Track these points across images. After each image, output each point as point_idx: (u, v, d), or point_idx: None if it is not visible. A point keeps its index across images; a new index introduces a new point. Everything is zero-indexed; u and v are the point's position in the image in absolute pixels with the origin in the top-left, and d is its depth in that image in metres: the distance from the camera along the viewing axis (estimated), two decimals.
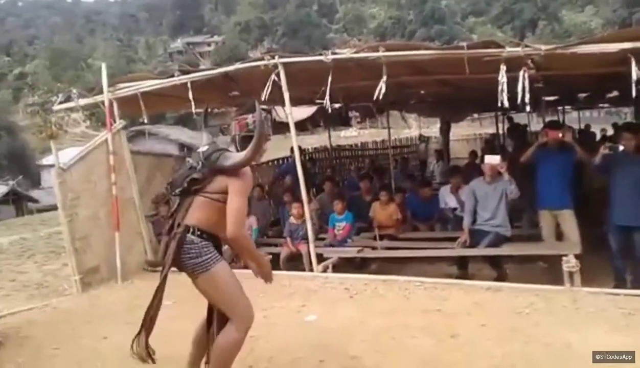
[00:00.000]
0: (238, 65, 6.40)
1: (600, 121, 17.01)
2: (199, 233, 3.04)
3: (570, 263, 5.17)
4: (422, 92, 8.49)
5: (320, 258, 6.55)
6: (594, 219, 6.46)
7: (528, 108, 5.44)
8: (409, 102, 10.11)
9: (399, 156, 14.41)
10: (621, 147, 5.52)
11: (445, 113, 12.89)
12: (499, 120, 14.18)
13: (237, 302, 3.10)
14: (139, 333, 3.09)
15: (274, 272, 3.42)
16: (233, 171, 3.06)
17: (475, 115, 17.76)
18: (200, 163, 3.12)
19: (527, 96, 5.04)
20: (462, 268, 6.34)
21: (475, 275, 6.27)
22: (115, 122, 6.82)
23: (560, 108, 14.85)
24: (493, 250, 6.06)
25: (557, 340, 3.88)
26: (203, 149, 3.20)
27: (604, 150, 5.62)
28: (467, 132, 20.31)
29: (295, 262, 7.05)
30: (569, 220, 6.03)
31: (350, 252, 6.82)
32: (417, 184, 8.73)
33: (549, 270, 5.71)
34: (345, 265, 6.73)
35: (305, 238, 6.62)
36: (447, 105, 11.56)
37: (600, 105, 16.14)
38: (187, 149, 23.31)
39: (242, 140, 3.23)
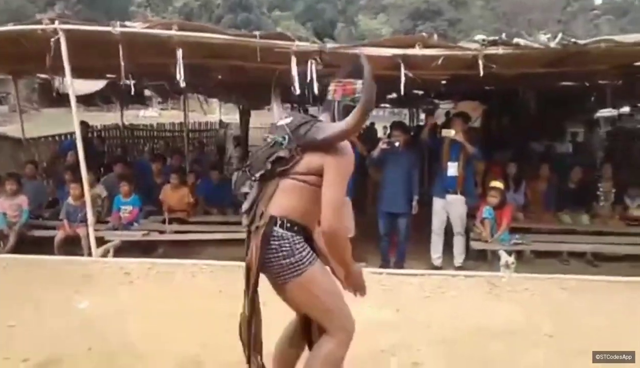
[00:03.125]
0: (10, 27, 5.67)
1: (384, 119, 18.76)
2: (288, 225, 2.40)
3: None
4: (220, 77, 8.45)
5: (103, 242, 6.18)
6: (367, 206, 7.15)
7: (315, 100, 5.78)
8: (207, 85, 9.99)
9: (197, 140, 14.22)
10: (397, 143, 6.17)
11: (245, 100, 13.05)
12: (295, 111, 14.84)
13: (336, 311, 2.49)
14: (248, 357, 2.61)
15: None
16: (329, 146, 2.40)
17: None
18: (286, 138, 2.44)
19: (315, 89, 5.34)
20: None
21: None
22: None
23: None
24: None
25: None
26: (286, 120, 2.52)
27: (382, 145, 6.23)
28: (267, 120, 20.79)
29: (75, 247, 6.53)
30: (346, 206, 6.57)
31: (134, 235, 6.54)
32: (208, 168, 8.70)
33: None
34: (130, 250, 6.43)
35: (84, 220, 6.16)
36: (246, 93, 11.70)
37: (383, 105, 17.78)
38: None
39: (343, 109, 2.50)
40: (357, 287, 2.58)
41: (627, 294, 4.80)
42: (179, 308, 4.40)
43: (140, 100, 16.45)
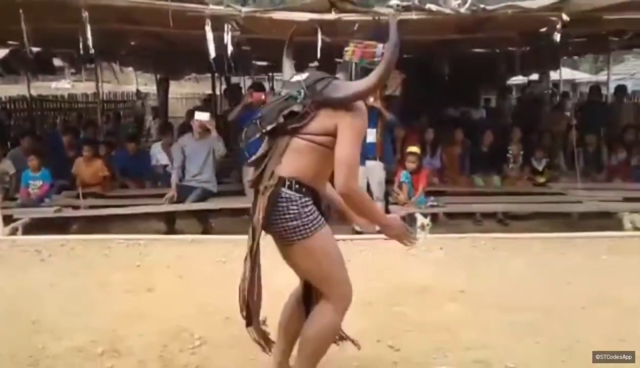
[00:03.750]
0: None
1: None
2: (297, 187, 2.30)
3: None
4: (133, 43, 8.09)
5: (11, 220, 5.84)
6: None
7: (234, 68, 5.67)
8: (120, 53, 9.54)
9: (112, 111, 13.62)
10: None
11: (162, 69, 12.58)
12: (217, 80, 14.49)
13: (338, 277, 2.43)
14: (248, 320, 2.54)
15: None
16: (345, 105, 2.30)
17: (195, 75, 17.78)
18: (301, 92, 2.32)
19: (229, 53, 5.22)
20: (170, 224, 6.35)
21: (184, 230, 6.35)
22: None
23: (270, 74, 15.87)
24: (199, 205, 6.23)
25: None
26: (302, 76, 2.40)
27: None
28: (187, 90, 20.29)
29: None
30: None
31: (46, 211, 6.22)
32: (124, 140, 8.37)
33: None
34: (42, 227, 6.11)
35: None
36: (164, 62, 11.27)
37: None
38: None
39: (361, 71, 2.41)
40: (400, 236, 2.50)
41: (535, 250, 5.12)
42: (93, 283, 4.28)
43: (50, 71, 15.47)
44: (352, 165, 2.26)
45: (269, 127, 2.36)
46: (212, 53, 5.20)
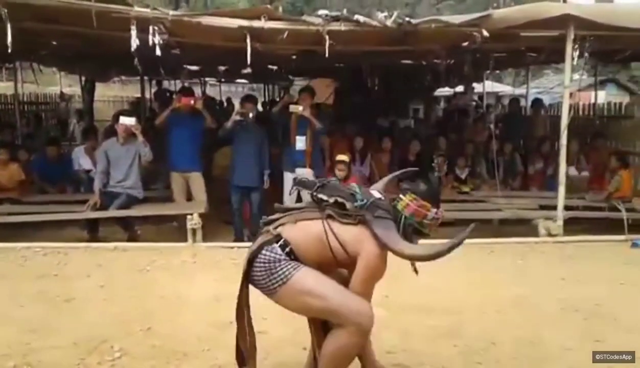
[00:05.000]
0: None
1: (240, 95, 18.59)
2: (287, 251, 2.38)
3: (193, 221, 5.56)
4: (55, 43, 7.74)
5: None
6: (222, 181, 7.06)
7: (164, 72, 5.56)
8: (41, 53, 9.09)
9: (32, 114, 12.96)
10: (250, 114, 6.14)
11: (88, 71, 12.11)
12: (147, 84, 14.13)
13: (338, 307, 2.35)
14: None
15: None
16: (376, 242, 2.35)
17: (122, 77, 17.25)
18: (365, 202, 2.39)
19: (158, 55, 5.11)
20: (93, 231, 6.12)
21: (108, 237, 6.14)
22: None
23: (202, 78, 15.66)
24: (123, 212, 6.03)
25: (171, 291, 4.13)
26: (378, 194, 2.51)
27: (234, 117, 6.17)
28: (115, 93, 19.63)
29: None
30: (197, 181, 6.45)
31: None
32: (44, 143, 7.99)
33: (181, 229, 5.99)
34: None
35: None
36: (90, 63, 10.86)
37: (238, 81, 17.63)
38: None
39: (408, 227, 2.49)
40: None
41: (456, 255, 5.24)
42: (6, 293, 4.07)
43: None
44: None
45: (319, 196, 2.48)
46: (137, 59, 5.06)
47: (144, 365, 3.05)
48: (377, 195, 2.52)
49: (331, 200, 2.44)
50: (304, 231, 2.43)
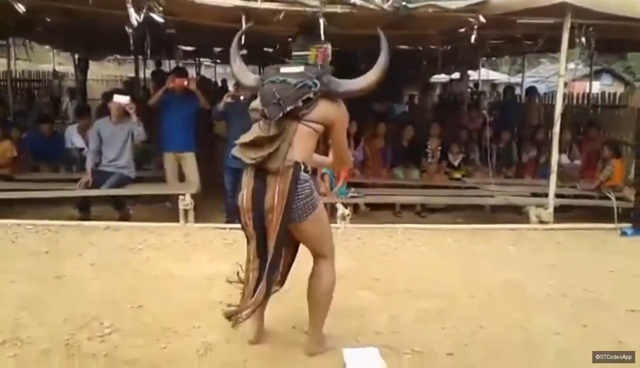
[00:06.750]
0: None
1: None
2: (307, 168, 2.66)
3: (185, 202, 5.55)
4: (49, 20, 7.64)
5: None
6: (215, 162, 7.06)
7: (159, 52, 5.51)
8: (35, 30, 8.96)
9: (24, 91, 12.85)
10: (242, 97, 6.08)
11: (81, 49, 11.98)
12: (141, 64, 14.02)
13: (331, 233, 2.91)
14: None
15: None
16: (338, 99, 2.73)
17: (119, 56, 17.09)
18: (317, 84, 2.60)
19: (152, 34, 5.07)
20: (84, 210, 6.10)
21: (100, 216, 6.12)
22: None
23: (197, 59, 15.55)
24: (115, 191, 6.02)
25: (162, 271, 4.13)
26: (299, 68, 2.69)
27: (226, 98, 6.12)
28: (109, 72, 19.46)
29: None
30: (190, 162, 6.43)
31: None
32: (37, 120, 7.93)
33: (173, 210, 5.99)
34: None
35: None
36: (83, 41, 10.74)
37: None
38: None
39: (322, 70, 2.74)
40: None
41: (448, 240, 5.34)
42: None
43: None
44: (346, 149, 2.97)
45: (289, 108, 2.58)
46: (130, 34, 5.02)
47: (134, 342, 3.05)
48: (300, 69, 2.70)
49: (299, 104, 2.60)
50: (300, 143, 2.63)
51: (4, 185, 6.45)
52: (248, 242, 2.82)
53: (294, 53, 2.83)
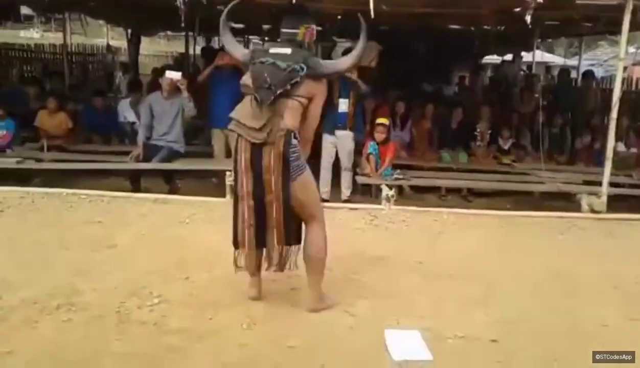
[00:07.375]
0: None
1: None
2: (296, 136, 3.00)
3: (232, 178, 5.61)
4: None
5: None
6: None
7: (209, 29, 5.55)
8: (88, 3, 9.19)
9: (79, 64, 13.24)
10: None
11: (134, 24, 12.21)
12: (191, 40, 14.19)
13: (319, 197, 3.31)
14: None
15: None
16: (323, 77, 3.10)
17: (169, 33, 17.35)
18: (303, 68, 2.94)
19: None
20: (135, 182, 6.27)
21: (149, 189, 6.28)
22: None
23: (246, 37, 15.59)
24: (165, 165, 6.16)
25: (209, 244, 4.20)
26: (285, 50, 3.02)
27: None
28: (160, 48, 19.81)
29: None
30: None
31: (7, 162, 6.07)
32: (91, 94, 8.17)
33: (220, 185, 6.08)
34: (2, 178, 5.96)
35: None
36: (136, 17, 10.94)
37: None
38: None
39: (308, 48, 3.16)
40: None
41: (494, 226, 5.24)
42: (53, 237, 4.23)
43: (16, 18, 14.90)
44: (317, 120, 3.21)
45: (279, 92, 2.90)
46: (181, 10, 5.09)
47: (181, 312, 3.14)
48: (287, 50, 3.00)
49: (288, 87, 2.91)
50: (289, 114, 2.96)
51: (59, 156, 6.71)
52: (237, 202, 3.15)
53: (283, 30, 3.12)
